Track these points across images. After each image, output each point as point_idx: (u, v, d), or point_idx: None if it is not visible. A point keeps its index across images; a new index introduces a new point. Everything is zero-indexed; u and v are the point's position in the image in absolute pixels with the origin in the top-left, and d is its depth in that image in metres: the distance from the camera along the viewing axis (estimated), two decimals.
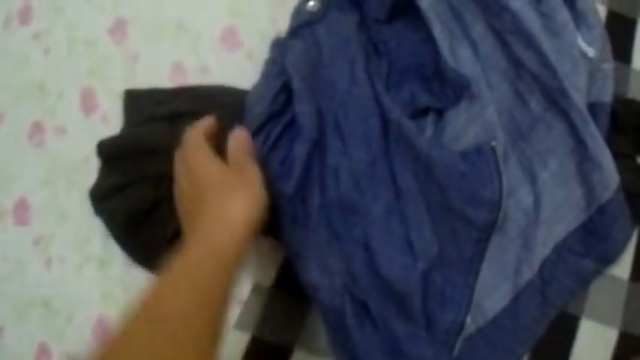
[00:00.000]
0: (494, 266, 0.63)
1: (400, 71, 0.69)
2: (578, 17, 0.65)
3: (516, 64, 0.64)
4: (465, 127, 0.64)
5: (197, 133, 0.58)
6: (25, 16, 0.81)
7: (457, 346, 0.61)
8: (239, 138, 0.59)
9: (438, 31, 0.64)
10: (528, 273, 0.63)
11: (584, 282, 0.65)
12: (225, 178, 0.54)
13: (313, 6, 0.67)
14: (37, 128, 0.76)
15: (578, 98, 0.61)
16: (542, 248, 0.63)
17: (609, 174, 0.61)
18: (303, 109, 0.62)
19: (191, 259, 0.48)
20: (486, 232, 0.62)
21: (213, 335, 0.46)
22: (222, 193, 0.52)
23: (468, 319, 0.62)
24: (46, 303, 0.72)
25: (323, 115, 0.64)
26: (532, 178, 0.64)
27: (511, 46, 0.63)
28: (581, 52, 0.63)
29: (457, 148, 0.64)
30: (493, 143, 0.62)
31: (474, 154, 0.62)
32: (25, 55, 0.80)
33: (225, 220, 0.50)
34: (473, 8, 0.65)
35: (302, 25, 0.67)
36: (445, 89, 0.65)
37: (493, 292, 0.63)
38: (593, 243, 0.63)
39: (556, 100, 0.62)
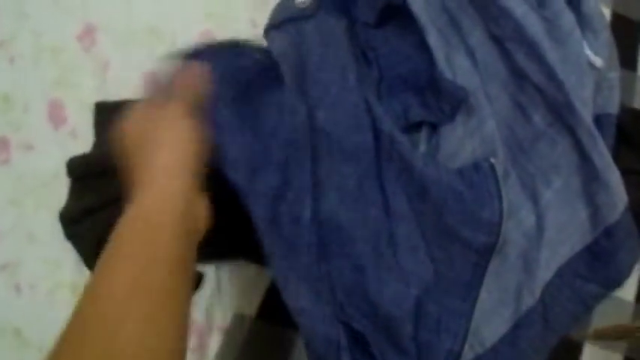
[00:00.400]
0: (494, 292, 0.59)
1: (391, 81, 0.64)
2: (583, 21, 0.60)
3: (518, 75, 0.59)
4: (462, 142, 0.60)
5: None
6: None
7: None
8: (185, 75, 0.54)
9: (433, 39, 0.59)
10: (529, 299, 0.59)
11: (588, 307, 0.61)
12: (155, 129, 0.50)
13: (304, 2, 0.62)
14: (2, 144, 0.71)
15: (585, 113, 0.56)
16: (545, 272, 0.59)
17: (617, 195, 0.57)
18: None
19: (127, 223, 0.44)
20: (485, 255, 0.57)
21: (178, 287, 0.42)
22: (152, 148, 0.48)
23: (466, 348, 0.58)
24: (16, 331, 0.68)
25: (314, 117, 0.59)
26: (534, 197, 0.60)
27: (513, 56, 0.58)
28: (587, 62, 0.59)
29: (453, 165, 0.59)
30: (492, 160, 0.58)
31: (471, 172, 0.58)
32: None
33: (157, 175, 0.47)
34: (471, 14, 0.60)
35: (288, 20, 0.62)
36: (441, 102, 0.60)
37: (492, 319, 0.59)
38: (598, 266, 0.59)
39: (561, 114, 0.57)
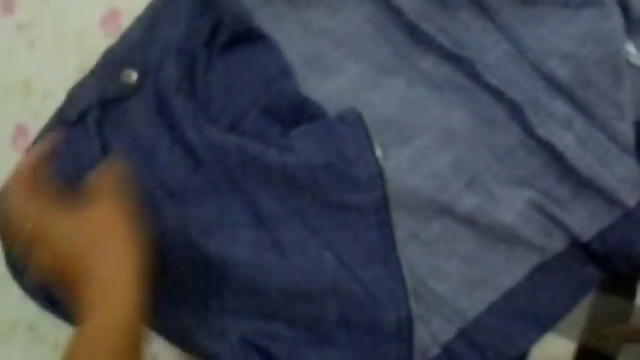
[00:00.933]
0: (471, 268, 0.58)
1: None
2: (633, 24, 0.57)
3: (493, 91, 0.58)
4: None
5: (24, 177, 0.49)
6: (8, 3, 0.74)
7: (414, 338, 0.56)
8: (106, 173, 0.52)
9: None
10: (509, 281, 0.58)
11: (586, 290, 0.59)
12: (91, 240, 0.46)
13: (131, 77, 0.62)
14: (21, 132, 0.70)
15: (615, 115, 0.56)
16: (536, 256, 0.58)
17: (612, 198, 0.56)
18: None
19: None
20: (381, 211, 0.56)
21: None
22: (95, 261, 0.45)
23: (446, 324, 0.57)
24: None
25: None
26: (513, 196, 0.58)
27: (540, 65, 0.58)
28: (633, 66, 0.57)
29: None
30: (358, 110, 0.57)
31: (337, 124, 0.57)
32: (8, 49, 0.72)
33: (107, 289, 0.45)
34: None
35: (112, 100, 0.63)
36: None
37: (471, 292, 0.58)
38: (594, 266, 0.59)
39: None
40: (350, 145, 0.56)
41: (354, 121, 0.56)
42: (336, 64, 0.61)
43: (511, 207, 0.57)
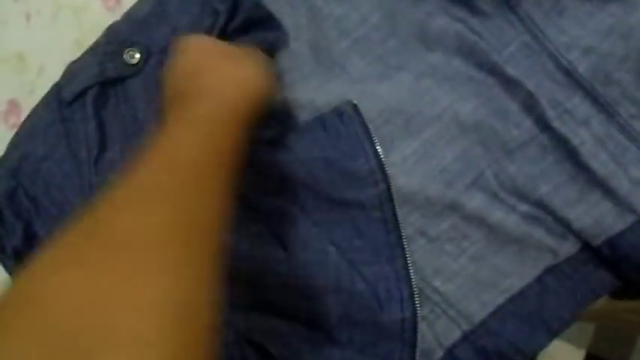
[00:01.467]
0: (480, 269, 0.56)
1: None
2: None
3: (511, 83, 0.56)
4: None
5: None
6: None
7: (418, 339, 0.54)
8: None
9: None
10: (518, 283, 0.56)
11: (597, 296, 0.57)
12: (228, 50, 0.52)
13: (134, 57, 0.60)
14: (13, 107, 0.67)
15: (636, 114, 0.55)
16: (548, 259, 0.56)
17: (626, 203, 0.54)
18: None
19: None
20: (385, 207, 0.54)
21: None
22: (227, 62, 0.49)
23: (452, 326, 0.55)
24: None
25: None
26: (521, 196, 0.56)
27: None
28: None
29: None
30: (354, 101, 0.55)
31: (334, 119, 0.55)
32: (3, 20, 0.69)
33: (233, 82, 0.46)
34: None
35: (112, 81, 0.61)
36: None
37: (479, 294, 0.56)
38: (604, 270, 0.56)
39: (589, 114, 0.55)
40: (347, 139, 0.54)
41: (350, 114, 0.55)
42: (341, 55, 0.59)
43: (519, 206, 0.55)
